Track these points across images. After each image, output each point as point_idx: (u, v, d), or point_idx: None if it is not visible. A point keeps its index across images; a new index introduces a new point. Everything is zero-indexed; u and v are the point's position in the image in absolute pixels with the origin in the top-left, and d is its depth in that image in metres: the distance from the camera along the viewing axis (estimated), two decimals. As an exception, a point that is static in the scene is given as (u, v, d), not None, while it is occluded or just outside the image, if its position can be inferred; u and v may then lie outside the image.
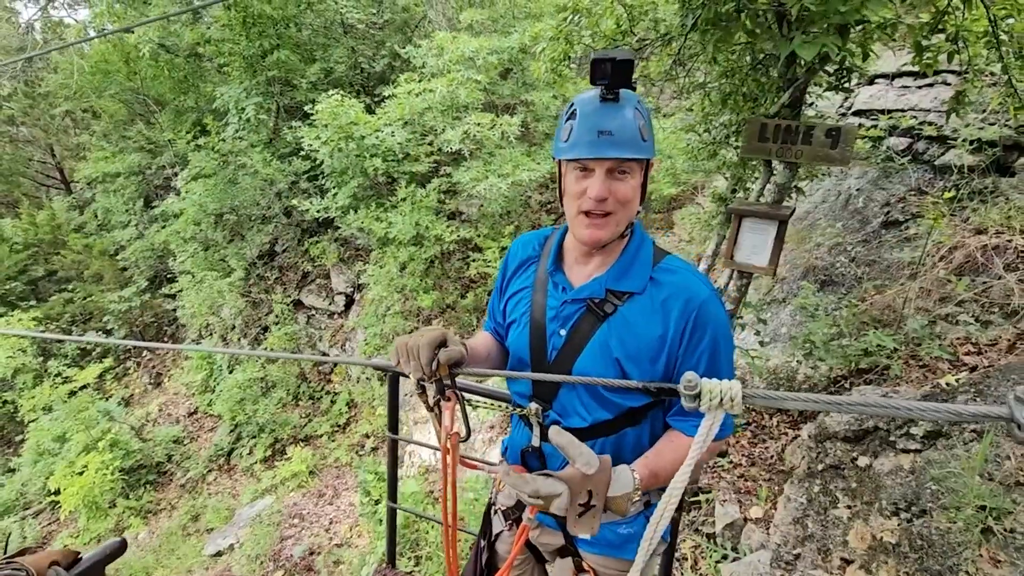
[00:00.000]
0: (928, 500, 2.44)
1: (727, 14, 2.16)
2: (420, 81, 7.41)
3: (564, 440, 1.00)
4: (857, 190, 5.62)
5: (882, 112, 5.47)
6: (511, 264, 1.47)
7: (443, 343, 1.21)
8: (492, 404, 1.69)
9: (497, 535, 1.59)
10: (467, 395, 1.84)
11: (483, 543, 1.61)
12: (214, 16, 9.30)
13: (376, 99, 8.36)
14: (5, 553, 1.24)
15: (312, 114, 7.45)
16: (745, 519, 3.30)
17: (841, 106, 6.06)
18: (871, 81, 6.02)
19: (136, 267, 12.19)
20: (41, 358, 10.53)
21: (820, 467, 3.19)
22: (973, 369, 3.28)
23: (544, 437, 1.37)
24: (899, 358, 3.65)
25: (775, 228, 2.93)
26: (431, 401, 1.31)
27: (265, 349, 9.83)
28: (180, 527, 8.07)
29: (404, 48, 8.37)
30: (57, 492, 8.01)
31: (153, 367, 11.77)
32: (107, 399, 10.53)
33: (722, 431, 1.30)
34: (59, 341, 11.18)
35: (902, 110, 5.43)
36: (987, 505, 2.16)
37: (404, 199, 7.43)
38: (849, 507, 2.80)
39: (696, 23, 2.29)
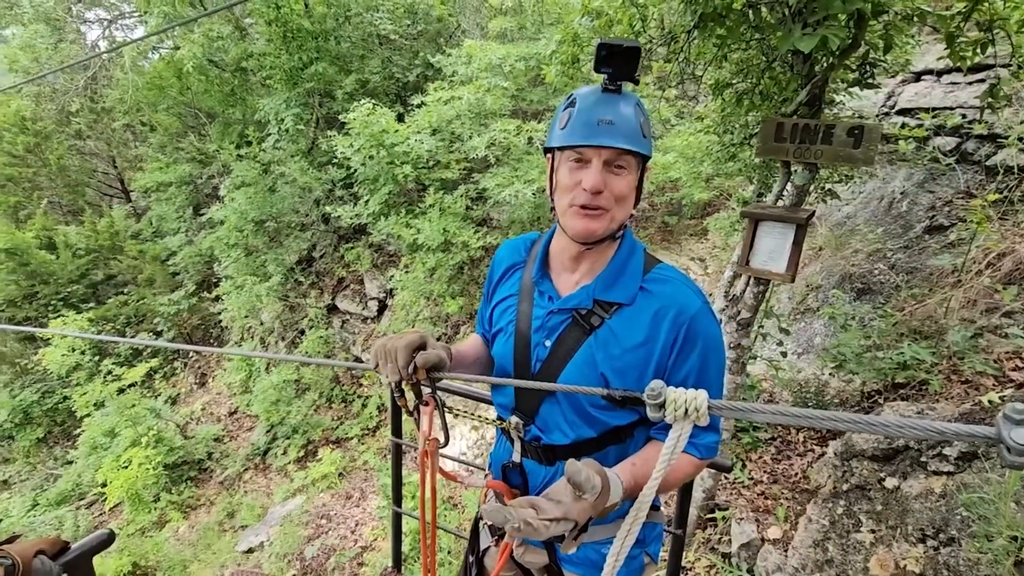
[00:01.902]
0: (957, 527, 2.23)
1: (727, 8, 2.05)
2: (449, 89, 7.49)
3: (582, 478, 0.94)
4: (901, 193, 5.30)
5: (927, 111, 5.14)
6: (497, 270, 1.42)
7: (422, 346, 1.17)
8: (474, 415, 1.65)
9: (485, 550, 1.55)
10: (456, 402, 1.81)
11: (471, 559, 1.57)
12: (260, 31, 9.72)
13: (410, 108, 8.51)
14: None
15: (347, 123, 7.65)
16: (763, 539, 3.12)
17: (884, 105, 5.74)
18: (917, 78, 5.69)
19: (185, 271, 12.80)
20: (97, 357, 11.15)
21: (845, 487, 2.99)
22: (1020, 386, 3.01)
23: (525, 452, 1.32)
24: (939, 373, 3.39)
25: (793, 232, 2.77)
26: (410, 405, 1.29)
27: (304, 354, 10.07)
28: (217, 523, 8.34)
29: (435, 57, 8.50)
30: (104, 484, 8.44)
31: (199, 367, 12.28)
32: (156, 397, 11.06)
33: (707, 451, 1.22)
34: (113, 342, 11.83)
35: (950, 108, 5.08)
36: (1019, 536, 1.96)
37: (432, 205, 7.50)
38: (873, 531, 2.61)
39: (697, 22, 2.19)
